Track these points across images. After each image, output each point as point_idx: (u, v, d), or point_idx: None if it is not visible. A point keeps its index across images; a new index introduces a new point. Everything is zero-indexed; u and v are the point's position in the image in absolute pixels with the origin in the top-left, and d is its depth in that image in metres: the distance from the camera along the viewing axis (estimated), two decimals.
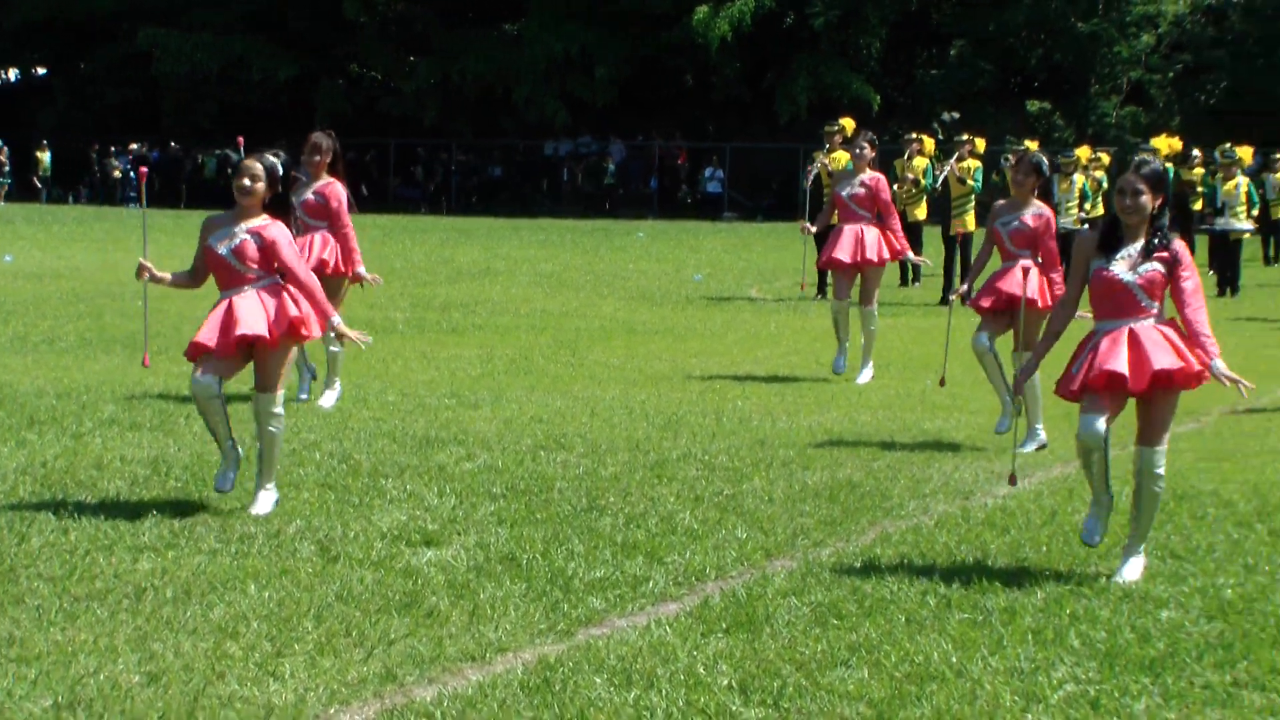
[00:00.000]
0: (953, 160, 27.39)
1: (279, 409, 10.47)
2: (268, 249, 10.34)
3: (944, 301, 27.24)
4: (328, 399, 14.93)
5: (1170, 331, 9.05)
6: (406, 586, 8.67)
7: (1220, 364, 9.00)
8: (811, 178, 26.61)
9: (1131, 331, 9.04)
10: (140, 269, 10.62)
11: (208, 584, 8.63)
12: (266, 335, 10.22)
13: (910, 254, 18.44)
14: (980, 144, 28.41)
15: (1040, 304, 13.13)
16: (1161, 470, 9.16)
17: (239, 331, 10.18)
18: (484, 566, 9.14)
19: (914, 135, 30.00)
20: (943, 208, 28.30)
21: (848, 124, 26.77)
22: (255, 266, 10.36)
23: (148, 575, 8.77)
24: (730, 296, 28.20)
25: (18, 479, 11.15)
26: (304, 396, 15.06)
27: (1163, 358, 8.91)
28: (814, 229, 18.73)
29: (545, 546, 9.61)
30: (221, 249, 10.39)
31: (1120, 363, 8.94)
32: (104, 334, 20.18)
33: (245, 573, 8.86)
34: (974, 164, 27.53)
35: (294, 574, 8.88)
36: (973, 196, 27.53)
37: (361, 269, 14.74)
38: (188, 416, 13.74)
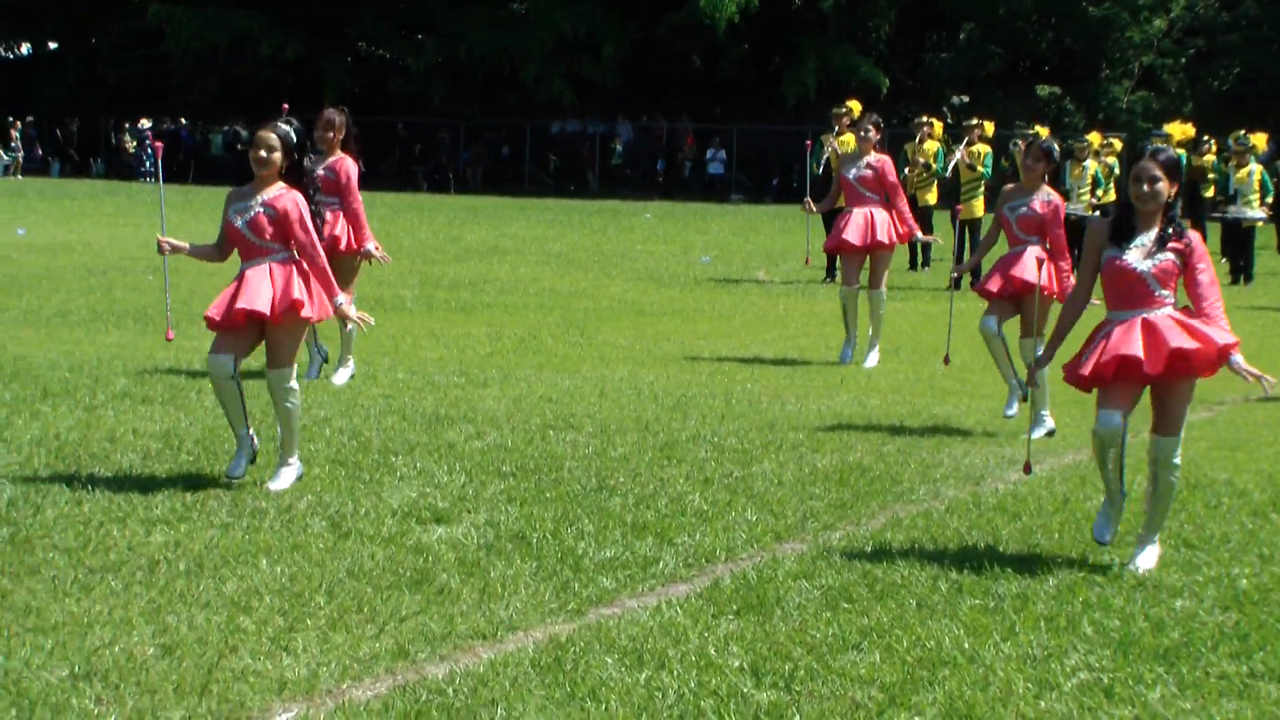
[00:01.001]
0: (962, 146, 27.38)
1: (293, 384, 10.46)
2: (281, 220, 10.33)
3: (955, 286, 27.24)
4: (340, 376, 14.93)
5: (1184, 318, 9.00)
6: (417, 563, 8.68)
7: (1239, 358, 8.95)
8: (824, 161, 26.62)
9: (1145, 321, 9.00)
10: (160, 245, 10.63)
11: (220, 558, 8.64)
12: (267, 311, 10.20)
13: (919, 233, 18.43)
14: (989, 129, 28.38)
15: (1049, 291, 13.10)
16: (1177, 460, 9.13)
17: (240, 305, 10.19)
18: (494, 544, 9.15)
19: (924, 119, 29.96)
20: (952, 192, 28.28)
21: (855, 107, 26.76)
22: (270, 239, 10.34)
23: (161, 548, 8.79)
24: (738, 278, 28.17)
25: (32, 450, 11.17)
26: (311, 376, 15.02)
27: (1180, 339, 8.87)
28: (817, 209, 18.64)
29: (555, 525, 9.61)
30: (238, 222, 10.39)
31: (1135, 347, 8.89)
32: (115, 308, 20.17)
33: (257, 547, 8.87)
34: (983, 149, 27.54)
35: (306, 549, 8.89)
36: (982, 182, 27.53)
37: (370, 244, 14.73)
38: (199, 391, 13.76)
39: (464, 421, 12.92)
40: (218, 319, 10.26)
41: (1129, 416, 9.07)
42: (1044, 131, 30.37)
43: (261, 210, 10.34)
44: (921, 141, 28.78)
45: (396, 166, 62.89)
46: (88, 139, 65.38)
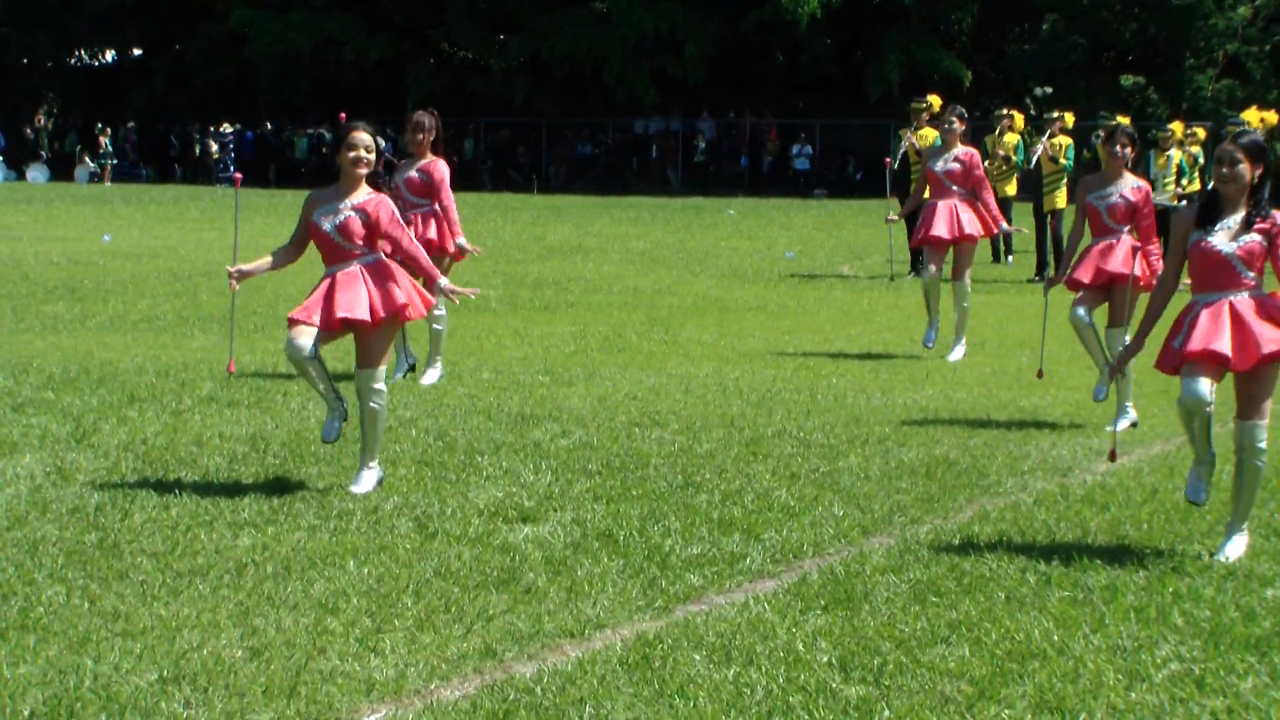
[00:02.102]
0: (1044, 138, 27.17)
1: (381, 384, 10.40)
2: (373, 225, 10.30)
3: (1039, 277, 27.07)
4: (429, 377, 14.99)
5: (1272, 304, 8.90)
6: (504, 563, 8.68)
7: None
8: (900, 155, 26.54)
9: (1231, 305, 8.90)
10: (231, 278, 10.55)
11: (307, 560, 8.67)
12: (368, 319, 10.17)
13: (1005, 225, 18.33)
14: (1070, 120, 28.14)
15: (1142, 282, 12.98)
16: (1263, 444, 9.02)
17: (340, 314, 10.12)
18: (581, 543, 9.14)
19: (1005, 111, 29.73)
20: (1034, 184, 28.07)
21: (935, 101, 26.69)
22: (360, 243, 10.32)
23: (248, 551, 8.83)
24: (821, 274, 28.09)
25: (120, 455, 11.24)
26: (396, 377, 15.05)
27: (1269, 339, 8.76)
28: (898, 218, 18.64)
29: (642, 523, 9.60)
30: (326, 225, 10.32)
31: (1223, 343, 8.80)
32: (200, 312, 20.31)
33: (344, 549, 8.90)
34: (1065, 141, 27.27)
35: (392, 550, 8.90)
36: (1064, 174, 27.30)
37: (462, 239, 14.87)
38: (285, 394, 13.82)
39: (549, 420, 12.93)
40: (315, 325, 10.16)
41: (1216, 383, 8.98)
42: (1125, 120, 30.14)
43: (353, 214, 10.29)
44: (1001, 134, 28.52)
45: (479, 167, 63.07)
46: (176, 145, 65.88)
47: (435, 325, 14.92)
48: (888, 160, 26.99)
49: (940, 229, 17.33)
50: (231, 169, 58.24)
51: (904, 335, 19.33)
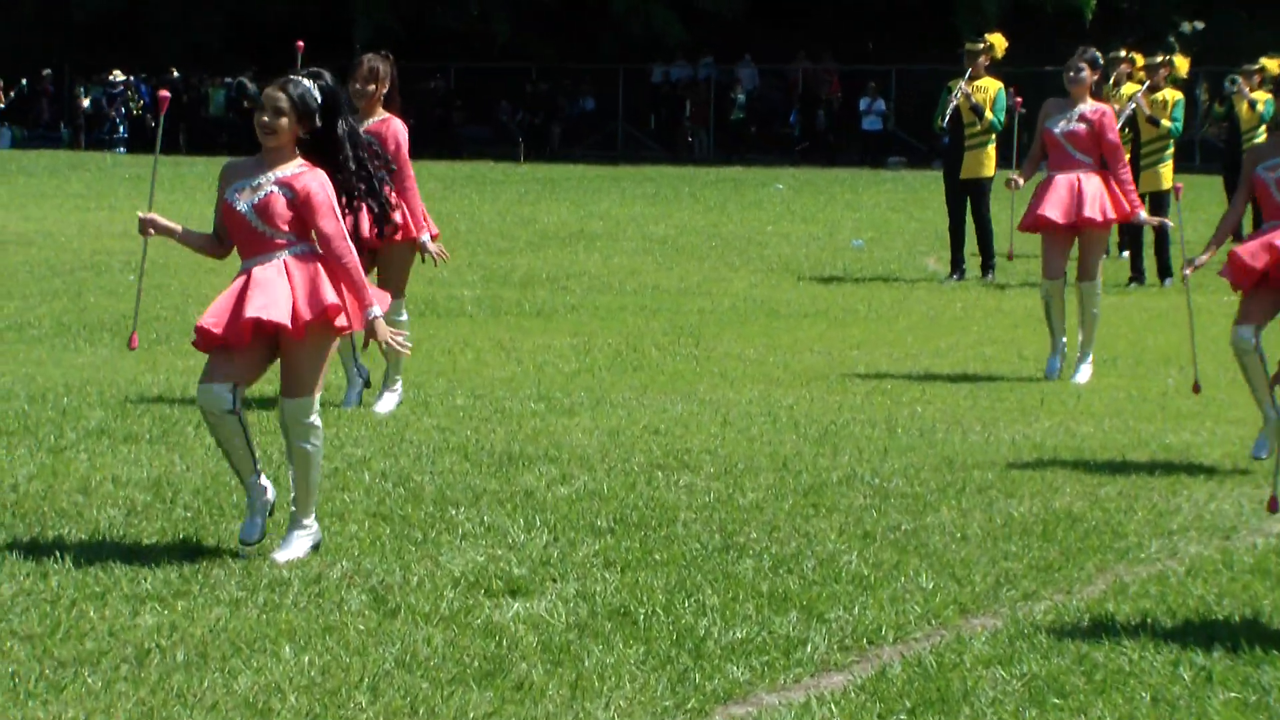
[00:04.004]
0: (1140, 92, 26.40)
1: (314, 419, 10.36)
2: (301, 205, 10.28)
3: (1134, 281, 26.51)
4: (385, 403, 15.00)
5: None
6: (488, 649, 8.68)
7: None
8: (949, 112, 25.95)
9: None
10: (143, 224, 10.63)
11: (229, 645, 8.66)
12: (287, 323, 10.14)
13: (1142, 213, 18.30)
14: (1182, 65, 27.62)
15: None
16: None
17: (249, 313, 10.12)
18: (588, 624, 9.15)
19: (1123, 53, 28.65)
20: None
21: (998, 42, 25.99)
22: (286, 228, 10.30)
23: (152, 633, 8.82)
24: (901, 269, 28.12)
25: None
26: (350, 405, 15.05)
27: None
28: (1023, 181, 18.49)
29: (668, 597, 9.60)
30: (241, 204, 10.28)
31: None
32: (87, 318, 20.34)
33: (278, 630, 8.90)
34: (1173, 96, 26.59)
35: (341, 632, 8.91)
36: (1171, 142, 26.52)
37: (426, 235, 14.77)
38: (198, 425, 13.81)
39: (545, 461, 12.94)
40: (218, 332, 10.16)
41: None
42: (1273, 65, 29.90)
43: (276, 190, 10.27)
44: (1118, 84, 27.69)
45: (450, 126, 63.14)
46: (50, 98, 65.90)
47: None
48: (940, 121, 26.48)
49: (1053, 210, 17.28)
50: (122, 130, 58.40)
51: (1010, 349, 19.34)
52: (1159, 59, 27.30)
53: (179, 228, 10.63)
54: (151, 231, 10.65)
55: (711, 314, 22.18)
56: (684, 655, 8.68)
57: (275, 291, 10.16)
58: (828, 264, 28.46)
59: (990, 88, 25.73)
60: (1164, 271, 26.35)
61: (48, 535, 10.58)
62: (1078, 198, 17.33)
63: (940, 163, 26.67)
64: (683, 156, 60.48)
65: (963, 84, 25.92)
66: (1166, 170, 25.92)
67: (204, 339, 10.27)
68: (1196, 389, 14.79)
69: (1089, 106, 17.54)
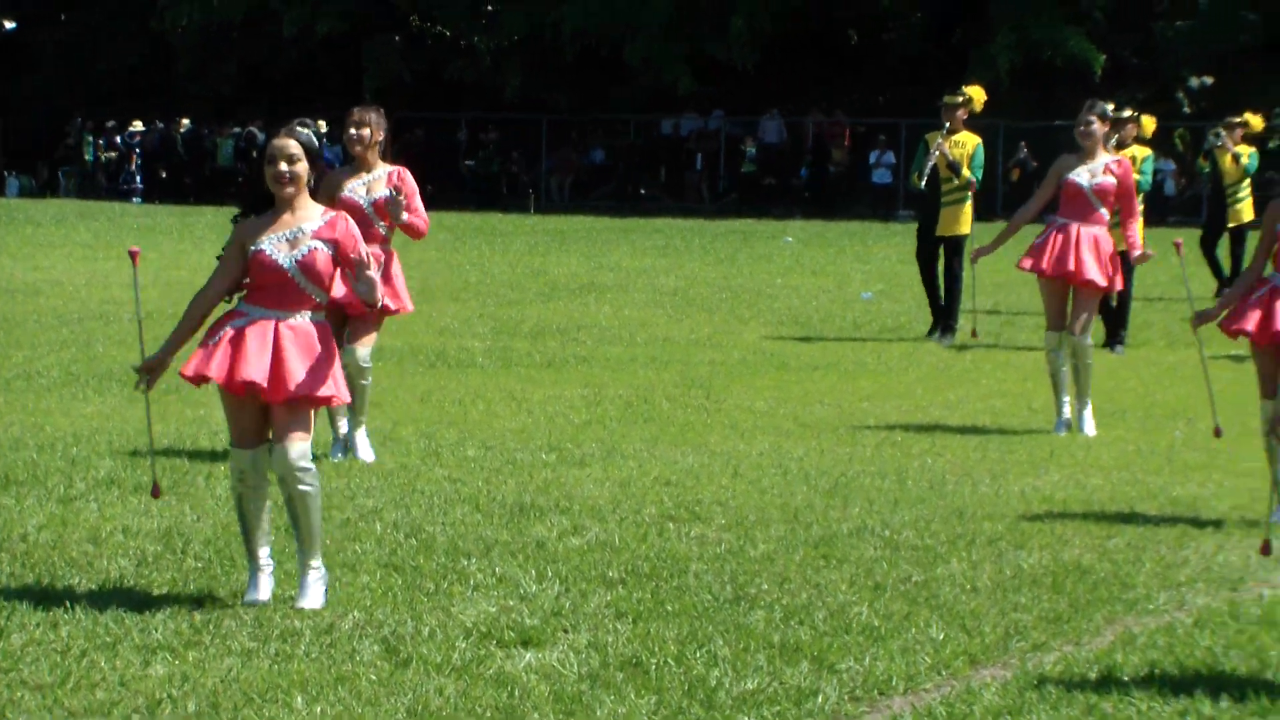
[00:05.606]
0: (941, 138, 25.51)
1: (308, 462, 10.33)
2: (341, 255, 10.26)
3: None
4: (365, 449, 14.93)
5: None
6: (500, 700, 8.71)
7: None
8: (928, 170, 25.32)
9: None
10: (141, 376, 10.54)
11: (241, 695, 8.69)
12: (263, 382, 10.11)
13: (1138, 250, 17.98)
14: (1257, 123, 27.65)
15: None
16: None
17: (242, 377, 10.09)
18: (600, 674, 9.17)
19: (1129, 112, 28.36)
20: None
21: (976, 95, 25.41)
22: (326, 285, 10.33)
23: (163, 683, 8.85)
24: (911, 322, 28.12)
25: None
26: (337, 458, 15.01)
27: None
28: (983, 254, 18.39)
29: (680, 648, 9.62)
30: (282, 258, 10.24)
31: None
32: (95, 367, 20.36)
33: (290, 681, 8.92)
34: (1141, 152, 26.31)
35: (352, 683, 8.93)
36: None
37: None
38: (208, 476, 13.86)
39: (556, 512, 12.96)
40: (219, 380, 10.18)
41: None
42: (1256, 120, 29.94)
43: (320, 246, 10.24)
44: (1122, 145, 27.30)
45: (461, 178, 63.15)
46: (65, 147, 65.93)
47: (362, 380, 14.68)
48: (917, 179, 25.57)
49: (1043, 260, 17.10)
50: (138, 180, 58.44)
51: (1019, 402, 19.34)
52: (1127, 114, 27.00)
53: (171, 351, 10.48)
54: (147, 385, 10.56)
55: (722, 366, 22.19)
56: (696, 706, 8.70)
57: (263, 352, 10.16)
58: (837, 316, 28.46)
59: (969, 143, 24.98)
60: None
61: (58, 585, 10.61)
62: (1076, 253, 17.10)
63: (913, 214, 25.97)
64: (693, 208, 60.44)
65: (940, 140, 25.20)
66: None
67: (199, 379, 10.30)
68: (1218, 433, 14.85)
69: (1110, 158, 17.49)
